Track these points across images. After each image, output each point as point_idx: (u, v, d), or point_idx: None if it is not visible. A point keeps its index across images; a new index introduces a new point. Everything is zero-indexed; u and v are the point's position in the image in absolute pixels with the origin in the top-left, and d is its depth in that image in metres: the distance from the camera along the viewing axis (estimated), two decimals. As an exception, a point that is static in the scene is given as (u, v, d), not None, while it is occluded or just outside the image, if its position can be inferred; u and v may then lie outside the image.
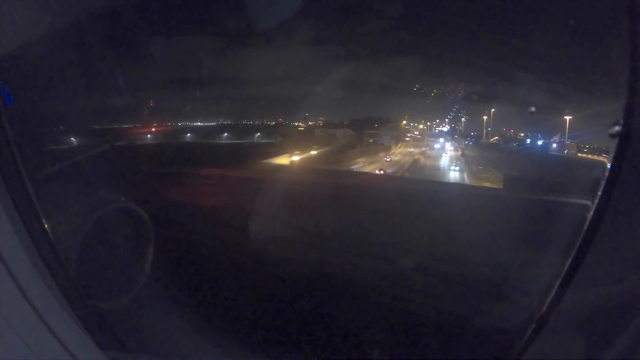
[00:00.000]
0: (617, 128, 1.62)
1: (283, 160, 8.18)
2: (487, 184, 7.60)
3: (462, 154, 9.75)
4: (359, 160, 9.48)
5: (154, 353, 2.21)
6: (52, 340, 1.50)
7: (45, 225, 1.72)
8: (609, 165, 1.71)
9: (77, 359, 1.53)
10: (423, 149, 10.13)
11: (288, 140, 9.16)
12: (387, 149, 10.16)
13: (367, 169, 9.22)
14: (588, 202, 2.32)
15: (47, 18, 2.14)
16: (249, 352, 2.66)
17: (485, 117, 9.24)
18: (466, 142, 9.88)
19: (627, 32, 1.58)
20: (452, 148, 9.95)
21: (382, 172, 8.86)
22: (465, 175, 8.93)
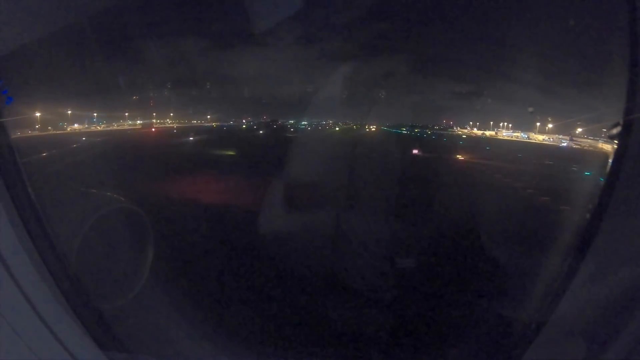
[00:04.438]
0: (616, 129, 1.63)
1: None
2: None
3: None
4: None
5: (154, 353, 2.21)
6: (52, 340, 1.50)
7: (45, 225, 1.72)
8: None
9: (77, 359, 1.53)
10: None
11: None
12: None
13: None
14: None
15: (47, 18, 2.14)
16: (249, 352, 2.66)
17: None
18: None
19: (627, 32, 1.58)
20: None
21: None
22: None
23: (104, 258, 2.30)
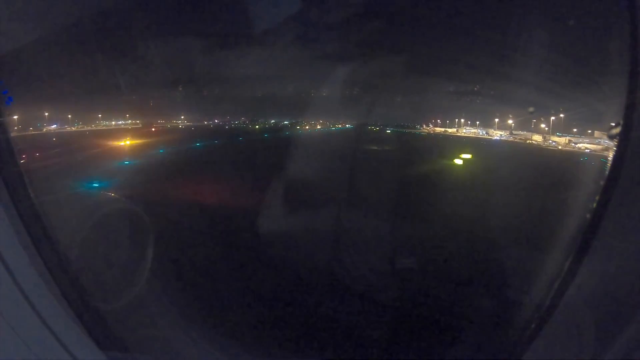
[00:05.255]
0: (616, 129, 1.63)
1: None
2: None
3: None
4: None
5: (154, 353, 2.21)
6: (52, 340, 1.50)
7: (45, 225, 1.72)
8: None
9: (77, 359, 1.53)
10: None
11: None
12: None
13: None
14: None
15: (47, 19, 2.14)
16: (249, 353, 2.66)
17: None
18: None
19: (627, 32, 1.58)
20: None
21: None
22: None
23: (104, 258, 2.30)
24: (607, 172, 1.62)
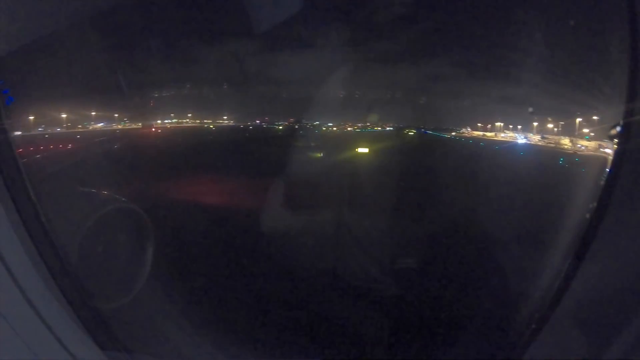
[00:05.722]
0: (616, 129, 1.63)
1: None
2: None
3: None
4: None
5: (154, 353, 2.21)
6: (52, 340, 1.50)
7: (45, 225, 1.71)
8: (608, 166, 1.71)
9: (77, 359, 1.53)
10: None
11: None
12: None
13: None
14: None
15: (47, 18, 2.14)
16: (249, 352, 2.66)
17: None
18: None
19: (627, 33, 1.58)
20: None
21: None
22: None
23: (104, 258, 2.30)
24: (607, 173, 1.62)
